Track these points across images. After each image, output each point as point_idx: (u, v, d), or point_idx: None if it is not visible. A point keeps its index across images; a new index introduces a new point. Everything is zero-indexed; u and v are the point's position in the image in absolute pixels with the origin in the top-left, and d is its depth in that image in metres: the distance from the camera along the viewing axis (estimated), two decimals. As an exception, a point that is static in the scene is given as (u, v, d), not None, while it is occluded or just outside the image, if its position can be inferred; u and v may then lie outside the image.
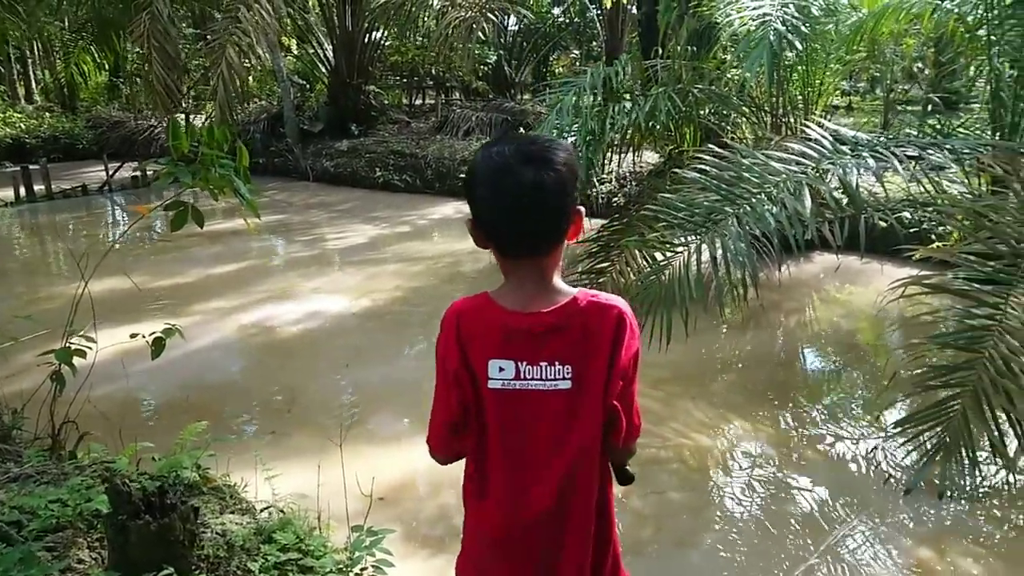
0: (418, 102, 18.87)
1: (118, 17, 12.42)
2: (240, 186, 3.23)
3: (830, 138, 5.01)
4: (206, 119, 10.86)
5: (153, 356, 3.32)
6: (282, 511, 3.08)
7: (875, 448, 4.17)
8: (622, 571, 1.60)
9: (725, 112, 7.61)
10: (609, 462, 1.56)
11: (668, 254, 4.91)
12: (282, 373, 5.38)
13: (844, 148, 4.95)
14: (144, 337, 3.32)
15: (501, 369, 1.44)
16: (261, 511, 3.01)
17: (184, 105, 15.97)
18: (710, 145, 5.56)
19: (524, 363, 1.43)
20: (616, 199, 9.52)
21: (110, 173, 13.03)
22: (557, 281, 1.48)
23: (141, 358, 3.51)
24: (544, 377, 1.43)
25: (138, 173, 13.09)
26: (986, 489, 3.80)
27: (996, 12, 6.07)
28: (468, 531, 1.59)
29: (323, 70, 15.16)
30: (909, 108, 9.03)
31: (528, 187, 1.37)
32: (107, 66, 18.33)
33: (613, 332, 1.44)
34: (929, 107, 7.06)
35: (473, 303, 1.49)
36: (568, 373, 1.43)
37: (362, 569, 2.71)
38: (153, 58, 9.56)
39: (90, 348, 3.21)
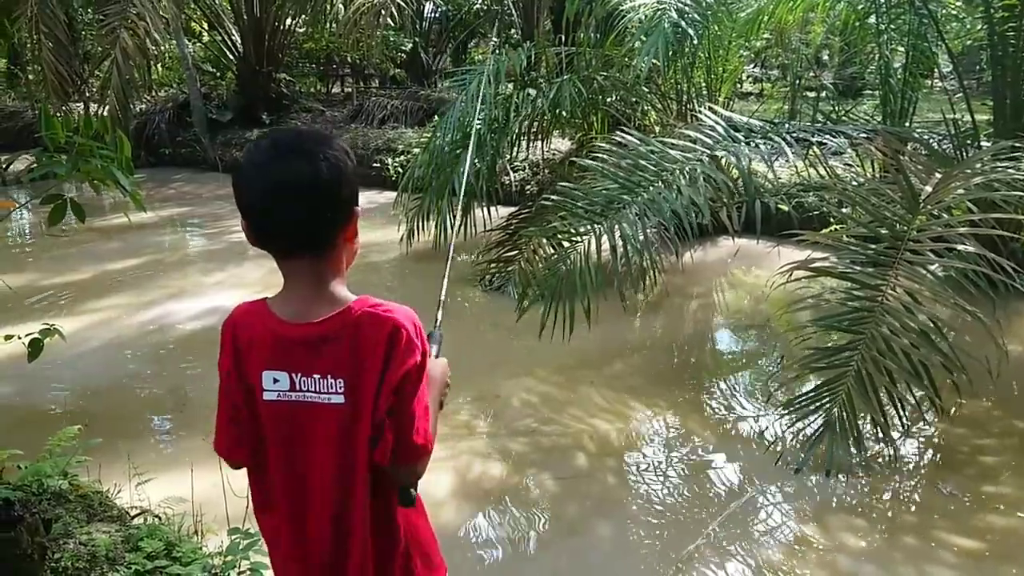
0: (335, 90, 18.50)
1: (7, 1, 11.76)
2: (121, 178, 3.08)
3: (724, 125, 5.09)
4: (98, 108, 10.35)
5: (30, 359, 3.14)
6: (157, 517, 2.97)
7: (766, 428, 4.26)
8: None
9: (633, 99, 7.68)
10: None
11: (568, 243, 4.92)
12: (177, 373, 5.20)
13: (738, 134, 5.03)
14: (20, 339, 3.14)
15: (275, 380, 1.39)
16: (134, 518, 2.89)
17: (87, 94, 15.31)
18: (619, 132, 5.59)
19: (299, 374, 1.39)
20: (529, 187, 9.52)
21: (4, 167, 12.39)
22: (336, 287, 1.42)
23: (20, 362, 3.32)
24: (318, 390, 1.39)
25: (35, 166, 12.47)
26: (870, 465, 3.91)
27: (884, 0, 6.26)
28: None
29: (231, 57, 14.72)
30: (813, 95, 9.26)
31: (285, 180, 1.33)
32: (2, 53, 17.42)
33: (385, 345, 1.38)
34: (824, 93, 7.25)
35: (249, 310, 1.44)
36: (340, 387, 1.38)
37: (239, 573, 2.64)
38: (43, 44, 9.11)
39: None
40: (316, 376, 1.38)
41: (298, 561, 1.47)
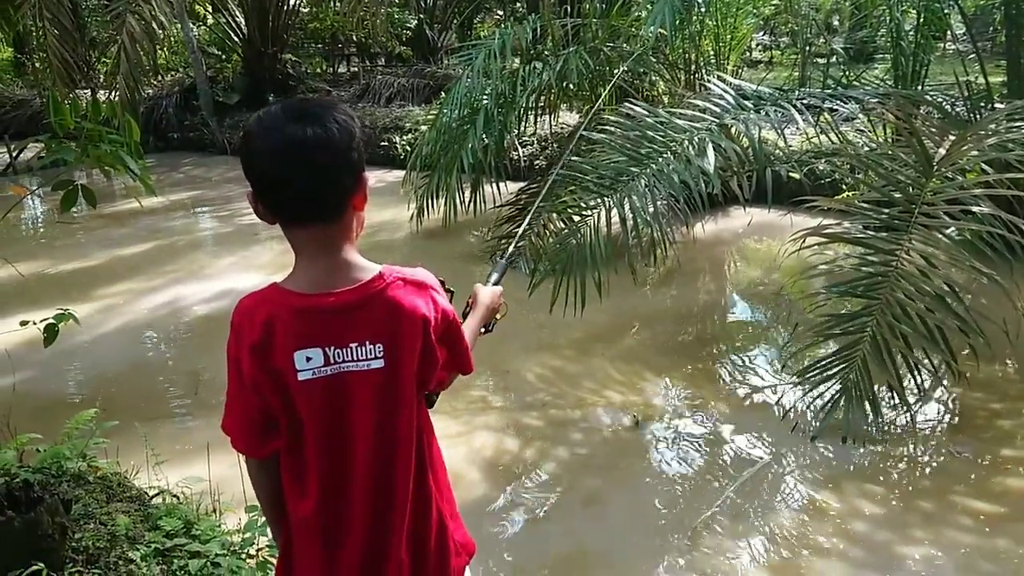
0: (341, 70, 18.42)
1: (11, -12, 11.71)
2: (130, 162, 3.08)
3: (733, 93, 5.03)
4: (108, 94, 10.37)
5: (46, 344, 3.16)
6: (176, 496, 2.99)
7: (781, 397, 4.25)
8: (454, 546, 1.56)
9: (641, 70, 7.60)
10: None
11: (578, 217, 4.89)
12: (190, 355, 5.24)
13: (747, 103, 4.98)
14: (36, 324, 3.16)
15: (308, 359, 1.36)
16: (152, 498, 2.92)
17: (95, 80, 15.30)
18: (626, 103, 5.53)
19: (332, 347, 1.37)
20: (538, 162, 9.46)
21: (14, 155, 12.44)
22: (355, 256, 1.41)
23: (36, 348, 3.35)
24: (356, 358, 1.37)
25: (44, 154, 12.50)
26: (886, 431, 3.90)
27: (894, -38, 6.15)
28: (287, 529, 1.52)
29: (236, 40, 14.67)
30: (824, 61, 9.15)
31: (297, 142, 1.31)
32: (7, 42, 17.40)
33: (425, 309, 1.41)
34: (834, 59, 7.15)
35: (263, 296, 1.40)
36: (380, 352, 1.38)
37: (257, 550, 2.66)
38: (48, 30, 9.09)
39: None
40: (353, 345, 1.37)
41: (329, 545, 1.45)
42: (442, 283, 1.78)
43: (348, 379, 1.38)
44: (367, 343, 1.37)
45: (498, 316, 1.94)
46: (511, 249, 2.25)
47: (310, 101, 1.40)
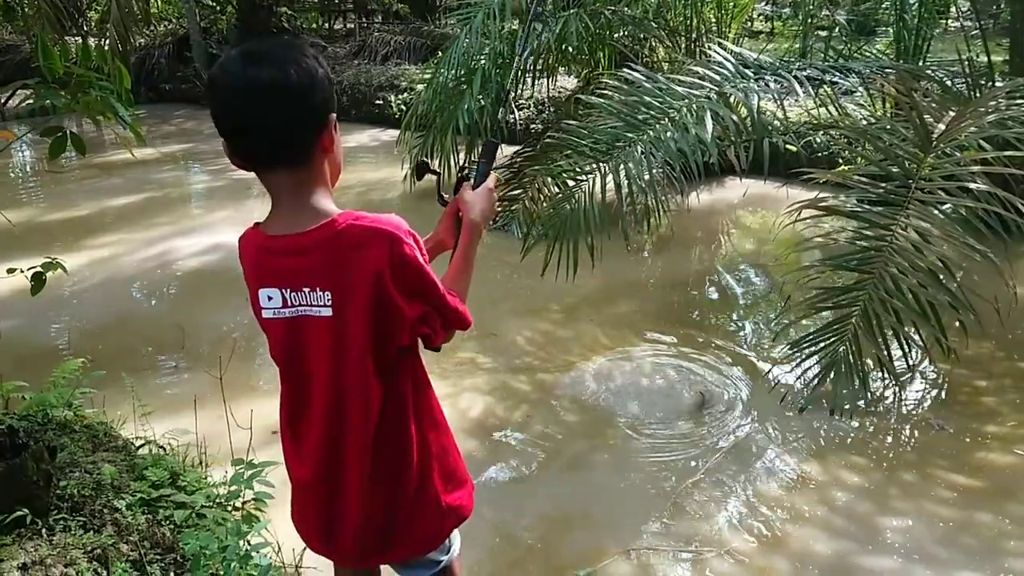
0: (338, 26, 18.16)
1: (1, -71, 11.42)
2: (120, 109, 3.02)
3: (733, 61, 4.97)
4: (97, 41, 10.20)
5: (33, 292, 3.13)
6: (162, 448, 2.99)
7: (770, 368, 4.26)
8: (437, 506, 1.56)
9: (641, 35, 7.51)
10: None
11: (573, 182, 4.86)
12: (179, 308, 5.22)
13: (747, 71, 4.92)
14: (23, 272, 3.12)
15: (270, 298, 1.40)
16: (139, 448, 2.91)
17: (85, 28, 15.04)
18: (625, 68, 5.46)
19: (288, 290, 1.39)
20: (534, 125, 9.38)
21: (2, 101, 12.26)
22: (321, 201, 1.40)
23: (23, 297, 3.32)
24: (309, 303, 1.38)
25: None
26: (873, 405, 3.92)
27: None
28: None
29: (232, -9, 14.44)
30: (825, 34, 9.06)
31: (257, 84, 1.30)
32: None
33: (380, 256, 1.35)
34: (836, 30, 7.07)
35: (247, 233, 1.46)
36: (328, 300, 1.37)
37: (243, 503, 2.67)
38: (38, -25, 8.88)
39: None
40: (305, 289, 1.38)
41: (298, 481, 1.50)
42: (426, 164, 1.74)
43: (305, 323, 1.40)
44: (317, 290, 1.37)
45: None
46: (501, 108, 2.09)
47: (272, 43, 1.37)
